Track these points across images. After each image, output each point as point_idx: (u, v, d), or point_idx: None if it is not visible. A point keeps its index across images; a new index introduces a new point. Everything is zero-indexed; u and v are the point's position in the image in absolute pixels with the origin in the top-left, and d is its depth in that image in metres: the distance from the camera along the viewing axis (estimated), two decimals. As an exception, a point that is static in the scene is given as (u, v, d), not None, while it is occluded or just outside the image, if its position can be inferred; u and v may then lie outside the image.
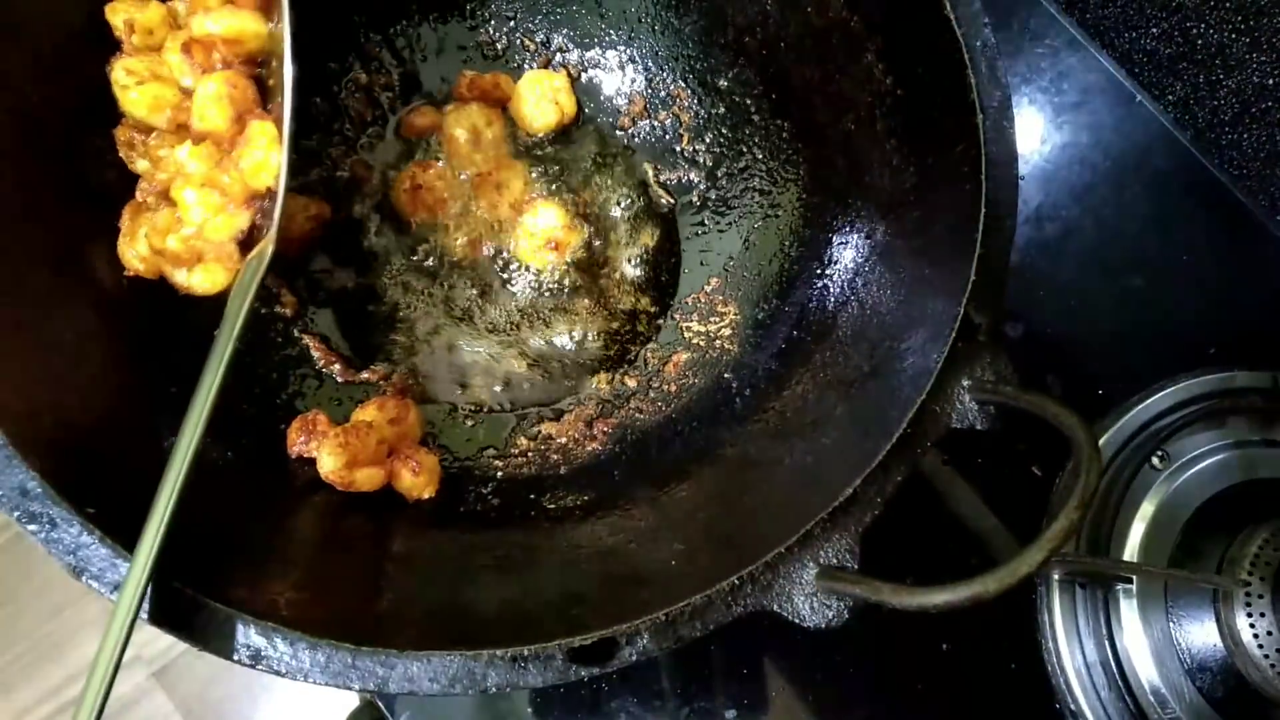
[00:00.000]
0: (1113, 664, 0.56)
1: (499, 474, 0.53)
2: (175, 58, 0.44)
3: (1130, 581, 0.56)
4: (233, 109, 0.44)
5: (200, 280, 0.45)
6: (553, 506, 0.50)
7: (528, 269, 0.57)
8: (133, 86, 0.43)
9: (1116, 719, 0.55)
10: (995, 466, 0.61)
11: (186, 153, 0.44)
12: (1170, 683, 0.55)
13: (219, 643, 0.33)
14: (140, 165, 0.46)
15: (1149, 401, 0.61)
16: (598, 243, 0.58)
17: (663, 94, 0.60)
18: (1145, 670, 0.55)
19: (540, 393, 0.56)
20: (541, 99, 0.57)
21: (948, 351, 0.37)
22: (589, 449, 0.54)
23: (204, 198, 0.43)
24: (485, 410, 0.55)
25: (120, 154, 0.45)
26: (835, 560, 0.36)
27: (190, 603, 0.33)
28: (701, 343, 0.57)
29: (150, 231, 0.43)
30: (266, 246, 0.43)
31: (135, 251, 0.44)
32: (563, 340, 0.57)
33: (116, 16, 0.44)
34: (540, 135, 0.58)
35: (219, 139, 0.44)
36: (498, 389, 0.55)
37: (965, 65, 0.40)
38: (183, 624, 0.33)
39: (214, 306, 0.44)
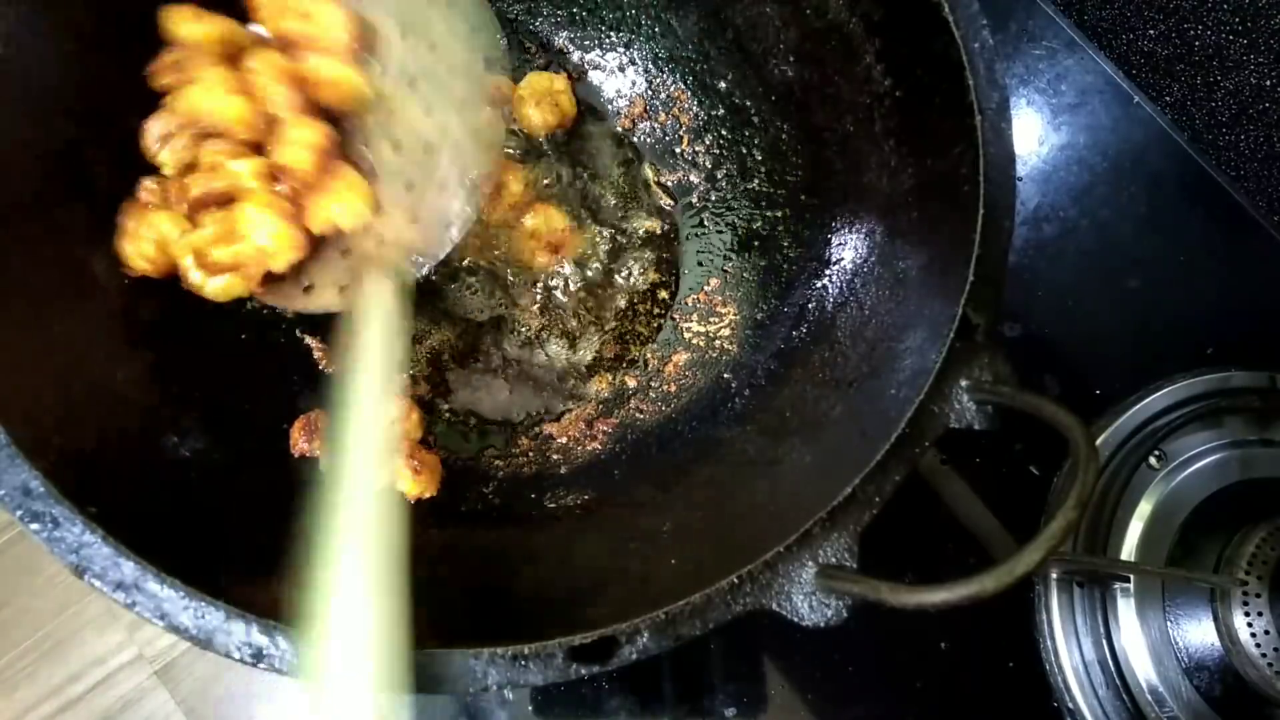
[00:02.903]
0: (1110, 663, 0.56)
1: (500, 473, 0.53)
2: (276, 88, 0.42)
3: (1128, 581, 0.56)
4: (318, 159, 0.43)
5: (218, 287, 0.43)
6: (553, 505, 0.50)
7: (528, 270, 0.57)
8: (236, 92, 0.42)
9: (1114, 718, 0.55)
10: (993, 466, 0.61)
11: (246, 168, 0.43)
12: (1168, 682, 0.55)
13: (221, 641, 0.33)
14: (164, 158, 0.43)
15: (1146, 401, 0.61)
16: (597, 244, 0.58)
17: (663, 96, 0.60)
18: (1143, 669, 0.55)
19: (540, 393, 0.56)
20: (541, 101, 0.57)
21: (946, 352, 0.37)
22: (589, 448, 0.54)
23: (273, 225, 0.42)
24: (485, 409, 0.55)
25: (143, 145, 0.43)
26: (834, 559, 0.36)
27: (195, 600, 0.33)
28: (701, 343, 0.57)
29: (198, 239, 0.42)
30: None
31: (140, 251, 0.43)
32: (563, 341, 0.57)
33: (177, 25, 0.42)
34: (540, 137, 0.59)
35: (292, 177, 0.43)
36: (498, 389, 0.55)
37: (963, 67, 0.40)
38: (184, 621, 0.33)
39: (217, 306, 0.44)
